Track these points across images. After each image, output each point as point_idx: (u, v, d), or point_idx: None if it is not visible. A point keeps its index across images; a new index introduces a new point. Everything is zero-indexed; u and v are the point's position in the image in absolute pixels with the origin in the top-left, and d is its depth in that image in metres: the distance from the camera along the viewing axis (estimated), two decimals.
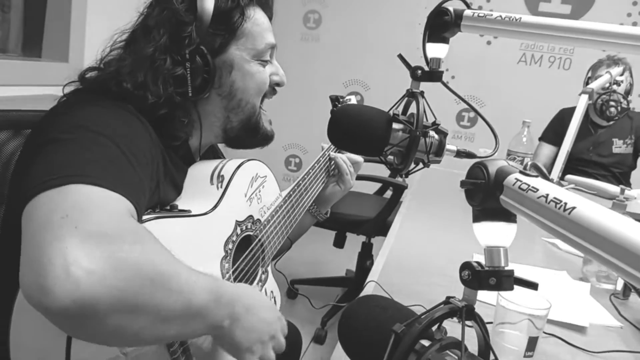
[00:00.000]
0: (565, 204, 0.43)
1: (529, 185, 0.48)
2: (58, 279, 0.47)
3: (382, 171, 2.91)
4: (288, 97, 3.91)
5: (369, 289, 1.08)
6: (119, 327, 0.51)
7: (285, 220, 0.99)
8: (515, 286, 0.55)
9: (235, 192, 0.86)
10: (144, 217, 0.66)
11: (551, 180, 0.54)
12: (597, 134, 2.59)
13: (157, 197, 0.75)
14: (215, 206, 0.80)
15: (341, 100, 1.32)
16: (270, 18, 0.94)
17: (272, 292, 0.96)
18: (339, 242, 2.50)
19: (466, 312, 0.55)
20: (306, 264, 3.00)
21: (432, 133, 0.92)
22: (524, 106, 3.31)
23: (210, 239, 0.79)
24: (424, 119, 0.91)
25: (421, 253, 1.39)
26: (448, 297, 0.56)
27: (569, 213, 0.42)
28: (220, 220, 0.81)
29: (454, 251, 1.44)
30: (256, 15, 0.88)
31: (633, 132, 2.58)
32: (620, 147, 2.58)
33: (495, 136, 1.01)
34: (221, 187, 0.83)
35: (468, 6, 0.93)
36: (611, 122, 2.54)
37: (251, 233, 0.90)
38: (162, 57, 0.77)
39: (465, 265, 0.56)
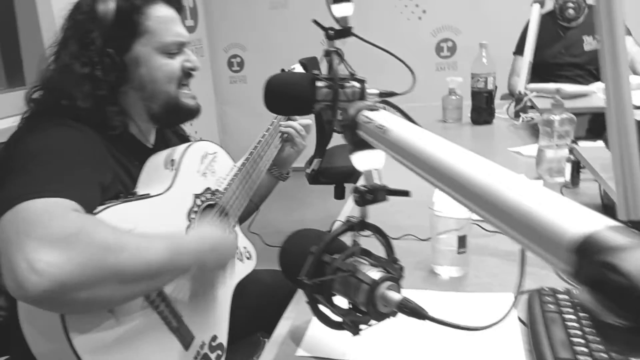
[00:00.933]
0: (383, 127, 0.57)
1: (369, 119, 0.61)
2: (25, 276, 0.63)
3: None
4: (272, 67, 4.01)
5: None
6: (90, 297, 0.68)
7: (243, 185, 1.12)
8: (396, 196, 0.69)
9: (187, 170, 1.00)
10: (108, 205, 0.82)
11: (402, 113, 0.67)
12: (566, 36, 2.64)
13: (115, 187, 0.90)
14: (171, 185, 0.95)
15: (287, 71, 1.44)
16: (179, 10, 1.05)
17: (245, 247, 1.11)
18: (339, 194, 2.64)
19: (360, 225, 0.69)
20: (319, 221, 3.17)
21: (352, 83, 1.03)
22: (499, 26, 3.34)
23: (172, 214, 0.94)
24: (347, 72, 1.04)
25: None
26: (348, 217, 0.71)
27: (385, 134, 0.56)
28: (178, 196, 0.96)
29: (420, 186, 1.55)
30: (158, 12, 0.99)
31: None
32: (591, 43, 2.62)
33: (412, 72, 1.12)
34: (173, 169, 0.97)
35: None
36: (577, 22, 2.59)
37: (212, 202, 1.04)
38: (76, 64, 0.92)
39: (355, 190, 0.70)
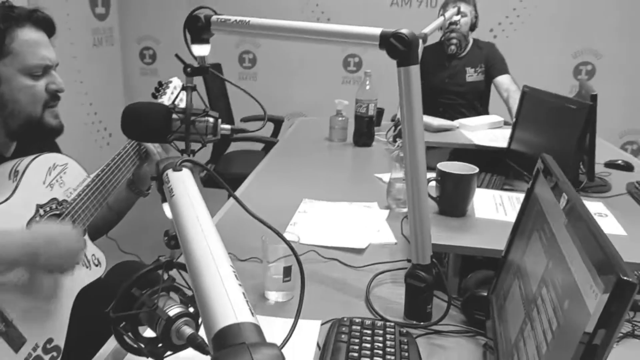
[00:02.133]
0: (172, 191, 0.66)
1: (168, 179, 0.71)
2: None
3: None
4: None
5: None
6: None
7: (95, 197, 1.16)
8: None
9: (31, 181, 1.03)
10: None
11: (211, 173, 0.77)
12: (451, 66, 2.85)
13: None
14: (10, 196, 0.98)
15: (163, 84, 1.50)
16: (49, 33, 1.10)
17: (93, 255, 1.15)
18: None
19: (167, 265, 0.79)
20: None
21: (207, 118, 1.12)
22: None
23: (9, 223, 0.97)
24: (204, 107, 1.12)
25: (263, 205, 1.60)
26: (158, 256, 0.80)
27: (172, 199, 0.65)
28: (18, 206, 0.99)
29: (289, 197, 1.66)
30: (25, 35, 1.04)
31: (483, 60, 2.85)
32: (472, 75, 2.85)
33: (264, 110, 1.22)
34: (16, 180, 1.01)
35: (215, 12, 1.13)
36: (461, 55, 2.81)
37: (57, 212, 1.08)
38: None
39: (165, 234, 0.79)
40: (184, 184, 0.69)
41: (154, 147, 1.31)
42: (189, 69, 1.13)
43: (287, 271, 1.07)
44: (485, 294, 0.97)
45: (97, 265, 1.16)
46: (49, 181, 1.08)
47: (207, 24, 1.12)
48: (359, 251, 1.31)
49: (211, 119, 1.13)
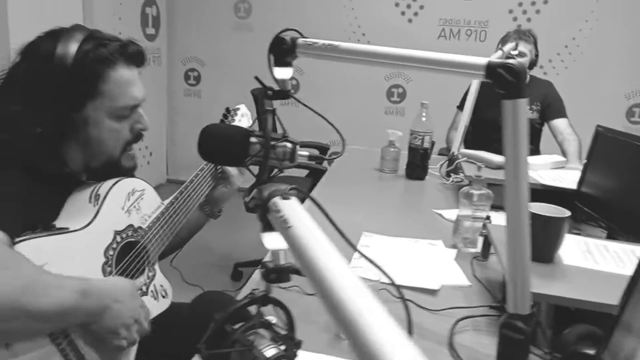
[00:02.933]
0: (288, 222, 0.61)
1: (278, 209, 0.66)
2: None
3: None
4: (228, 86, 4.04)
5: (255, 277, 1.26)
6: None
7: (168, 225, 1.13)
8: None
9: (111, 207, 1.00)
10: (24, 237, 0.83)
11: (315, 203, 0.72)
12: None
13: (32, 219, 0.89)
14: (92, 221, 0.95)
15: (231, 110, 1.48)
16: (139, 65, 1.05)
17: (161, 285, 1.11)
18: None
19: (263, 299, 0.73)
20: (251, 248, 3.18)
21: (285, 143, 1.07)
22: (447, 80, 3.51)
23: (89, 249, 0.95)
24: (282, 131, 1.08)
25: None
26: (252, 290, 0.74)
27: (287, 231, 0.60)
28: (98, 232, 0.96)
29: (346, 230, 1.59)
30: (117, 74, 0.99)
31: (540, 99, 2.78)
32: (527, 112, 2.78)
33: (342, 137, 1.17)
34: (97, 204, 0.98)
35: (301, 35, 1.09)
36: None
37: (133, 239, 1.05)
38: (24, 118, 0.91)
39: (262, 265, 0.73)
40: (296, 213, 0.64)
41: (230, 168, 1.28)
42: (270, 92, 1.10)
43: None
44: (592, 352, 0.88)
45: (164, 297, 1.11)
46: (127, 207, 1.05)
47: (292, 47, 1.08)
48: (432, 292, 1.23)
49: (289, 144, 1.09)
